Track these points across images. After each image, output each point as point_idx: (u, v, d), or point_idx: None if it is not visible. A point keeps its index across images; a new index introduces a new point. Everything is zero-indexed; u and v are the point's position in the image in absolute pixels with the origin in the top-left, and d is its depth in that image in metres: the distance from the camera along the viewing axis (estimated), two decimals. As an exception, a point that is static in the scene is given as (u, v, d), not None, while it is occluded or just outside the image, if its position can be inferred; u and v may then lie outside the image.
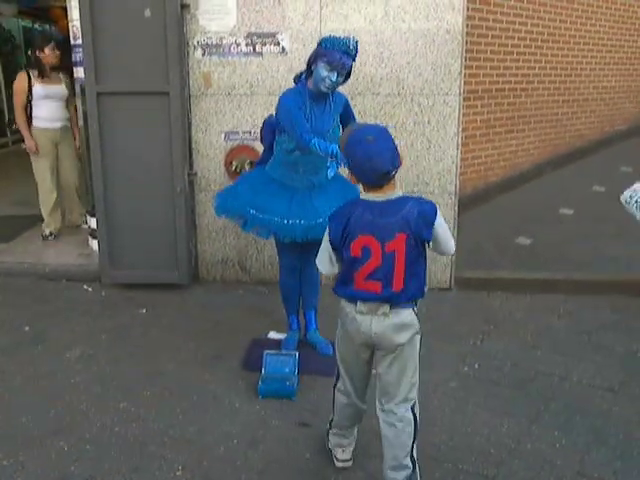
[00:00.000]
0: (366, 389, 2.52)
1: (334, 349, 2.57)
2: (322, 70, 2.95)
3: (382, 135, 2.26)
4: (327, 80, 2.97)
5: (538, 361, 3.48)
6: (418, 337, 2.36)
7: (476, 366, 3.42)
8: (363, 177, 2.26)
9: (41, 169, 5.38)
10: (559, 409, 3.01)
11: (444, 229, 2.30)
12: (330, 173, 3.24)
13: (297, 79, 3.19)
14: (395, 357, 2.33)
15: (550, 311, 4.12)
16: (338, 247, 2.31)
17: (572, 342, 3.70)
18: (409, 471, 2.35)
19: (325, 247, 2.37)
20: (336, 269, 2.38)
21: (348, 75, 3.05)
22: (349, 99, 3.31)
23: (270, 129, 3.22)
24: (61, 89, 5.36)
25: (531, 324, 3.93)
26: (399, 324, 2.29)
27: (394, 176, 2.27)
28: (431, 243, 2.30)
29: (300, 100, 3.06)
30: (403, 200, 2.26)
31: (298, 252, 3.35)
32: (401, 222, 2.21)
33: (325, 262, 2.39)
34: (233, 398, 3.12)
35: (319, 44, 3.01)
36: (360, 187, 2.34)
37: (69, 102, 5.43)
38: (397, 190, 2.29)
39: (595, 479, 2.53)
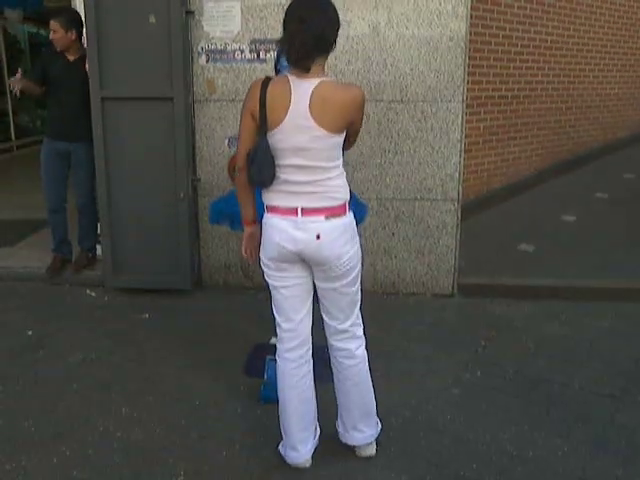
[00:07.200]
0: None
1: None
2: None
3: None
4: None
5: (540, 368, 3.48)
6: None
7: (478, 373, 3.42)
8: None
9: None
10: (561, 416, 3.00)
11: None
12: None
13: None
14: None
15: (552, 318, 4.11)
16: None
17: (574, 349, 3.70)
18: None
19: None
20: None
21: None
22: None
23: None
24: None
25: (533, 331, 3.93)
26: None
27: None
28: None
29: None
30: None
31: None
32: None
33: None
34: (235, 403, 3.13)
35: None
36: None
37: None
38: None
39: (597, 487, 2.54)
